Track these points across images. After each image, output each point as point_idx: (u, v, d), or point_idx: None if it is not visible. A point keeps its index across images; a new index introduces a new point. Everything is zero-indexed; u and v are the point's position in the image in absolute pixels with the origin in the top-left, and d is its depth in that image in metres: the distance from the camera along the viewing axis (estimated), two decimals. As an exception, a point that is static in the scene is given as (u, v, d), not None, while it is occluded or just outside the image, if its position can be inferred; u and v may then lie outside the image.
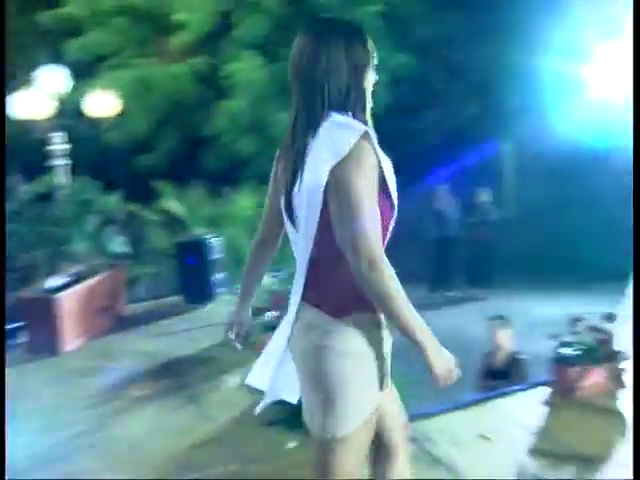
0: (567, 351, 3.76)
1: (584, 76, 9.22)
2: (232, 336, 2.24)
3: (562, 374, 3.77)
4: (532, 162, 13.49)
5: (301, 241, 1.88)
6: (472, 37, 11.66)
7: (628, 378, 3.79)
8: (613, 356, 3.77)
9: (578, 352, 3.74)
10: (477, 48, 11.60)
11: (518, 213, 13.38)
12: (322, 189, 1.75)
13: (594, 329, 3.77)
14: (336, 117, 1.80)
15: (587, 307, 4.42)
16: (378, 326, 1.88)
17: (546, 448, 3.16)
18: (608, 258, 9.39)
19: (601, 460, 3.03)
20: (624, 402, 3.59)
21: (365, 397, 1.84)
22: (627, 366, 3.78)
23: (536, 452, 3.13)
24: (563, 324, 3.94)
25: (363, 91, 1.87)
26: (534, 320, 6.91)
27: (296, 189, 1.85)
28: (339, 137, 1.75)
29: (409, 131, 12.08)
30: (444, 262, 10.04)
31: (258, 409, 2.07)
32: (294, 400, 2.03)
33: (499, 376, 4.68)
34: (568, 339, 3.82)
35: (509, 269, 10.09)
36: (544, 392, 3.81)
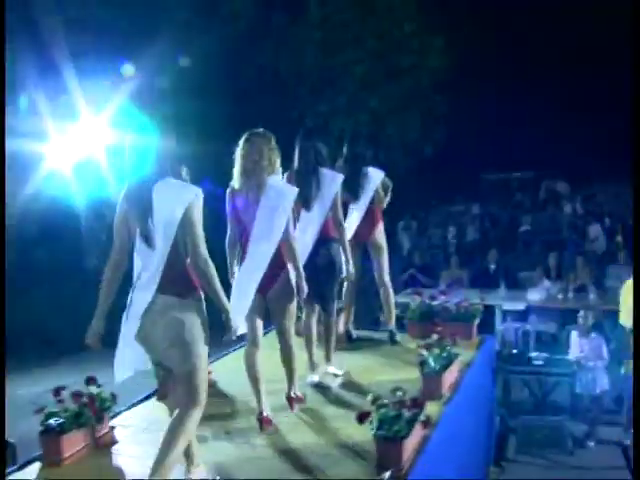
0: (52, 421, 3.91)
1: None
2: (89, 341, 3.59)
3: (50, 445, 3.90)
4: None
5: (156, 256, 3.25)
6: None
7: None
8: (98, 417, 4.07)
9: (63, 420, 3.92)
10: None
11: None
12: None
13: (77, 395, 4.00)
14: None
15: (63, 374, 4.54)
16: (200, 300, 3.33)
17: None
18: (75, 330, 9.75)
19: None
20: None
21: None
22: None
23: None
24: (48, 397, 4.05)
25: None
26: (21, 401, 6.77)
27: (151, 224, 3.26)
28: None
29: None
30: None
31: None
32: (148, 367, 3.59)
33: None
34: (54, 410, 3.97)
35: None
36: (35, 468, 3.86)
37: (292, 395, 4.53)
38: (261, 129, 4.28)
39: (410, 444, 3.61)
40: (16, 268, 12.65)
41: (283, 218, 4.15)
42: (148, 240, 3.26)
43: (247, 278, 4.15)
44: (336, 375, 5.21)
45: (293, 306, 4.35)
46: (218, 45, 12.85)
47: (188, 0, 12.21)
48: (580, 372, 7.03)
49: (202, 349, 3.32)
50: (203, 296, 3.34)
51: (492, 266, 10.62)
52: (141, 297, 3.30)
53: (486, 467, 5.93)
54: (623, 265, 10.19)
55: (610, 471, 6.08)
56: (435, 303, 6.10)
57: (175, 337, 3.25)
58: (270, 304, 4.28)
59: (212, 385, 4.73)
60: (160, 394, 4.88)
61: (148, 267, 3.28)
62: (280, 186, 4.29)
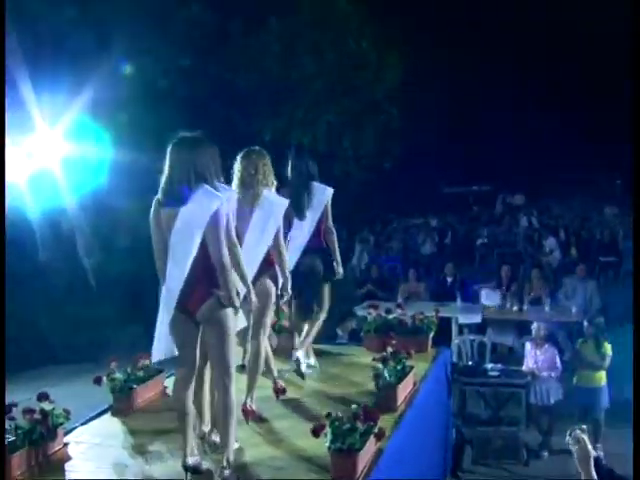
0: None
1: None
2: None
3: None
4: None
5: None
6: None
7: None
8: (50, 434, 4.02)
9: (14, 438, 3.85)
10: None
11: None
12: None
13: (29, 411, 3.94)
14: None
15: (16, 390, 4.45)
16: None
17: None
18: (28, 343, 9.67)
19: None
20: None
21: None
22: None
23: None
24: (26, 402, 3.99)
25: None
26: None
27: None
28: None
29: None
30: None
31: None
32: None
33: None
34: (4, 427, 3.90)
35: None
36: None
37: (248, 407, 4.53)
38: (257, 147, 4.78)
39: (364, 457, 3.64)
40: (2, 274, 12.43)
41: (274, 226, 4.59)
42: None
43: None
44: (309, 366, 5.51)
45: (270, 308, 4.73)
46: (174, 54, 12.81)
47: (144, 7, 12.12)
48: (534, 383, 7.14)
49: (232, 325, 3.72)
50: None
51: (449, 279, 10.74)
52: None
53: (443, 478, 5.98)
54: (579, 277, 10.39)
55: (564, 481, 6.17)
56: (391, 316, 6.14)
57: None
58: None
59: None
60: (115, 409, 4.84)
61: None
62: (273, 197, 4.69)
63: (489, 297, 10.09)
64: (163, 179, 3.71)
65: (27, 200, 10.53)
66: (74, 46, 11.50)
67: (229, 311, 3.69)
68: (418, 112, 17.70)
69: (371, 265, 12.88)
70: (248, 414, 4.52)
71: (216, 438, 3.99)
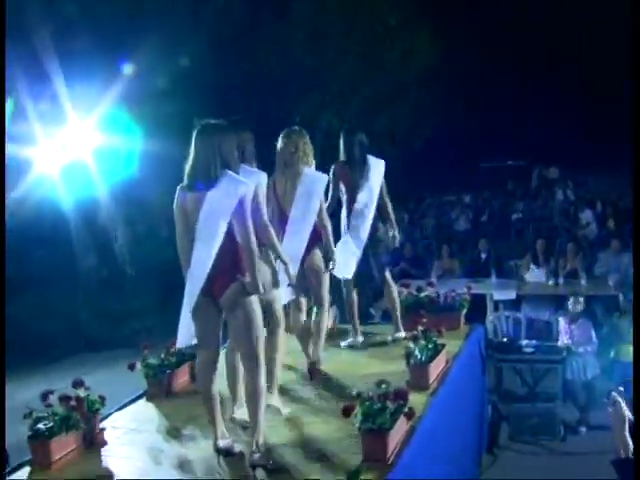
0: (41, 425, 3.94)
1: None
2: None
3: (39, 449, 3.92)
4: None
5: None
6: None
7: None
8: (87, 420, 4.10)
9: (51, 424, 3.95)
10: None
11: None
12: None
13: (65, 398, 4.02)
14: None
15: (54, 378, 4.53)
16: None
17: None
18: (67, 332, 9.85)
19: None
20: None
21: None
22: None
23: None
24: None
25: None
26: (13, 406, 6.77)
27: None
28: None
29: None
30: None
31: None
32: None
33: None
34: (41, 414, 3.99)
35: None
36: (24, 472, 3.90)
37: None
38: (297, 127, 5.05)
39: (395, 436, 3.64)
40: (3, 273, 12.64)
41: (317, 202, 4.82)
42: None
43: (290, 253, 4.62)
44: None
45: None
46: (205, 45, 12.84)
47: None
48: (570, 358, 7.05)
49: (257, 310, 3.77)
50: None
51: (483, 255, 10.65)
52: None
53: (478, 455, 5.97)
54: (614, 251, 10.20)
55: (602, 456, 6.09)
56: (422, 295, 6.12)
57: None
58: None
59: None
60: (149, 394, 4.93)
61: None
62: (313, 174, 4.93)
63: (531, 273, 9.96)
64: (188, 165, 3.75)
65: (60, 191, 10.68)
66: (106, 38, 11.58)
67: (253, 297, 3.71)
68: (451, 88, 17.50)
69: (405, 243, 12.82)
70: (314, 373, 4.91)
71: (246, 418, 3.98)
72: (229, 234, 3.63)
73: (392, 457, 3.57)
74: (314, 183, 4.88)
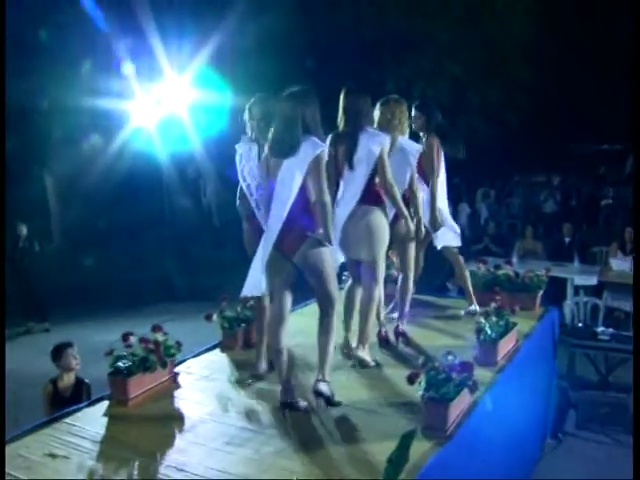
0: (121, 364, 4.19)
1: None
2: None
3: (118, 386, 4.17)
4: (72, 191, 13.69)
5: (358, 180, 4.46)
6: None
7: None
8: (163, 363, 4.32)
9: (130, 363, 4.19)
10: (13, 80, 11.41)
11: (64, 243, 13.48)
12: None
13: (144, 340, 4.25)
14: None
15: (136, 324, 4.76)
16: (385, 208, 4.63)
17: (114, 453, 3.54)
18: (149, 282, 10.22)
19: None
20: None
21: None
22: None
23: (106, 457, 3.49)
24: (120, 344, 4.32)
25: None
26: (97, 346, 7.14)
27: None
28: None
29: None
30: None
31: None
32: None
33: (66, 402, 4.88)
34: (122, 353, 4.23)
35: (62, 299, 10.21)
36: (105, 405, 4.15)
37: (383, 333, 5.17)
38: (396, 95, 5.12)
39: (457, 407, 3.69)
40: (102, 221, 13.22)
41: (409, 171, 4.98)
42: (352, 168, 4.42)
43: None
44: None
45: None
46: (302, 5, 12.88)
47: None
48: (648, 351, 6.87)
49: (383, 245, 4.48)
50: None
51: (567, 239, 10.43)
52: (342, 210, 4.46)
53: (542, 439, 5.94)
54: None
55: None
56: (500, 272, 6.08)
57: (369, 232, 4.43)
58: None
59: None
60: (224, 345, 5.12)
61: (350, 188, 4.45)
62: (406, 144, 5.03)
63: (617, 262, 9.70)
64: (272, 129, 3.95)
65: (156, 144, 11.02)
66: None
67: (326, 249, 3.90)
68: (549, 65, 16.97)
69: (489, 221, 12.68)
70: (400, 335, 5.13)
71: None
72: (302, 192, 3.84)
73: (451, 428, 3.62)
74: (406, 153, 4.95)
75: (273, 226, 3.86)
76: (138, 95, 10.41)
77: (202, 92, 10.45)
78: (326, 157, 3.89)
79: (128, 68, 10.46)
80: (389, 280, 5.76)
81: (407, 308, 5.28)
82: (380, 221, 4.54)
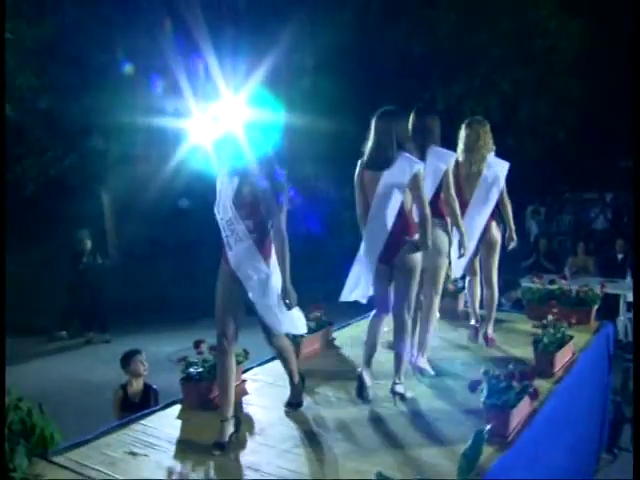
0: (192, 370, 4.41)
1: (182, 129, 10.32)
2: None
3: (189, 390, 4.39)
4: (128, 209, 14.06)
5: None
6: (68, 88, 11.91)
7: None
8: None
9: (201, 369, 4.41)
10: (74, 98, 11.87)
11: (119, 257, 13.85)
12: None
13: (214, 348, 4.45)
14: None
15: (192, 336, 4.91)
16: (446, 225, 4.88)
17: (190, 453, 3.74)
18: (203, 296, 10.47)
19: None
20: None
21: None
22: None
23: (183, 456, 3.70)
24: (190, 350, 4.55)
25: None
26: (155, 357, 7.39)
27: None
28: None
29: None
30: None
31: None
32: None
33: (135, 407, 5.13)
34: (193, 360, 4.46)
35: (119, 312, 10.50)
36: (177, 409, 4.37)
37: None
38: (479, 117, 5.60)
39: (518, 414, 3.80)
40: (158, 236, 13.56)
41: (498, 187, 5.32)
42: None
43: (470, 228, 5.22)
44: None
45: None
46: (353, 24, 13.12)
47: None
48: None
49: (444, 255, 4.77)
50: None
51: (620, 256, 10.41)
52: None
53: (597, 452, 5.97)
54: None
55: None
56: (555, 287, 6.16)
57: (432, 243, 4.39)
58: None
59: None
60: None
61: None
62: (494, 161, 5.37)
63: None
64: (368, 146, 4.36)
65: (212, 160, 11.30)
66: (257, 14, 12.10)
67: (419, 254, 4.31)
68: (598, 81, 16.88)
69: (540, 237, 12.69)
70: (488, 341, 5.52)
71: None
72: (401, 205, 4.25)
73: (512, 435, 3.74)
74: (496, 170, 5.32)
75: (378, 236, 4.26)
76: (195, 114, 10.75)
77: (258, 110, 10.73)
78: (423, 174, 4.26)
79: (186, 88, 10.80)
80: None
81: (494, 314, 5.64)
82: (442, 233, 4.77)
